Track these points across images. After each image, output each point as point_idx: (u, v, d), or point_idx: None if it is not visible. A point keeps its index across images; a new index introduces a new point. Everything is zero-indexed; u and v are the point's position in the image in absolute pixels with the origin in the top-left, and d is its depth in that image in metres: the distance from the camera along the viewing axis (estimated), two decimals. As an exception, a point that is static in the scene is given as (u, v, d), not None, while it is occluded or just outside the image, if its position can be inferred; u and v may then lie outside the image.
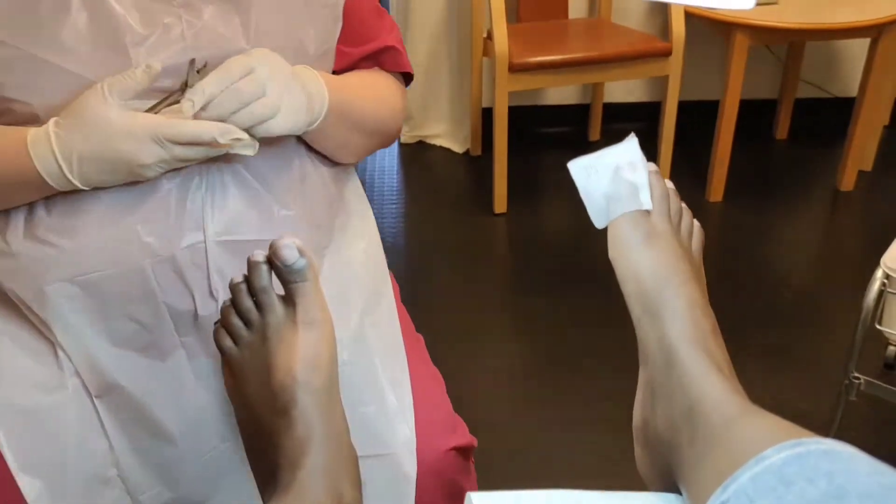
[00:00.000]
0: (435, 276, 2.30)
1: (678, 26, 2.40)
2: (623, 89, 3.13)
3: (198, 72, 0.78)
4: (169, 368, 0.84)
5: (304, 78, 0.83)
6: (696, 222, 0.71)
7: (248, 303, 0.67)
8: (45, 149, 0.74)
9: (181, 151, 0.74)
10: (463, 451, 0.92)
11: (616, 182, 0.69)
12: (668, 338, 0.62)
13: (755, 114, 3.05)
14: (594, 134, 3.11)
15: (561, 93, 3.13)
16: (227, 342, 0.65)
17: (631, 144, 0.71)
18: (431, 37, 2.90)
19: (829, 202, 2.69)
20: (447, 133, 3.05)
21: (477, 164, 2.96)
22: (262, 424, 0.61)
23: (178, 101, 0.76)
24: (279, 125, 0.78)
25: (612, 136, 3.07)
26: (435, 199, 2.75)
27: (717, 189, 2.60)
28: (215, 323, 0.66)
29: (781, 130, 3.09)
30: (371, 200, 1.09)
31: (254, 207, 0.84)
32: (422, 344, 1.04)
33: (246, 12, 0.84)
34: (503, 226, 2.57)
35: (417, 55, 2.91)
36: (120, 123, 0.72)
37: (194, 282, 0.81)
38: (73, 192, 0.79)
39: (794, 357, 1.94)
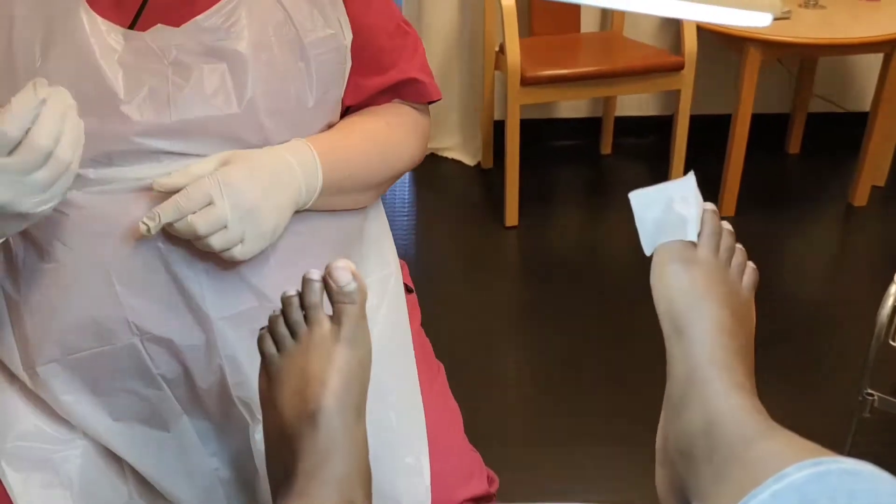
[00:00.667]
0: (446, 289, 2.30)
1: (690, 41, 2.41)
2: (635, 103, 3.13)
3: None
4: (174, 437, 0.83)
5: (293, 162, 0.79)
6: (750, 263, 0.74)
7: (297, 316, 0.70)
8: None
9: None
10: (478, 500, 0.92)
11: (667, 213, 0.73)
12: (691, 356, 0.63)
13: (767, 128, 3.04)
14: (606, 147, 3.11)
15: (572, 106, 3.14)
16: (271, 348, 0.68)
17: (689, 180, 0.75)
18: (443, 50, 2.91)
19: (842, 217, 2.68)
20: (459, 146, 3.06)
21: (488, 176, 2.97)
22: (286, 428, 0.62)
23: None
24: (242, 253, 0.75)
25: (623, 150, 3.10)
26: (446, 212, 2.75)
27: (728, 203, 2.59)
28: (261, 329, 0.69)
29: (794, 145, 3.09)
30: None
31: (255, 275, 0.81)
32: (442, 374, 1.02)
33: (240, 73, 0.79)
34: (514, 239, 2.57)
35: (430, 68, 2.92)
36: None
37: (193, 360, 0.80)
38: (46, 263, 0.76)
39: (806, 373, 1.93)
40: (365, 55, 0.91)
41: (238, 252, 0.75)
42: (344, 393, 0.63)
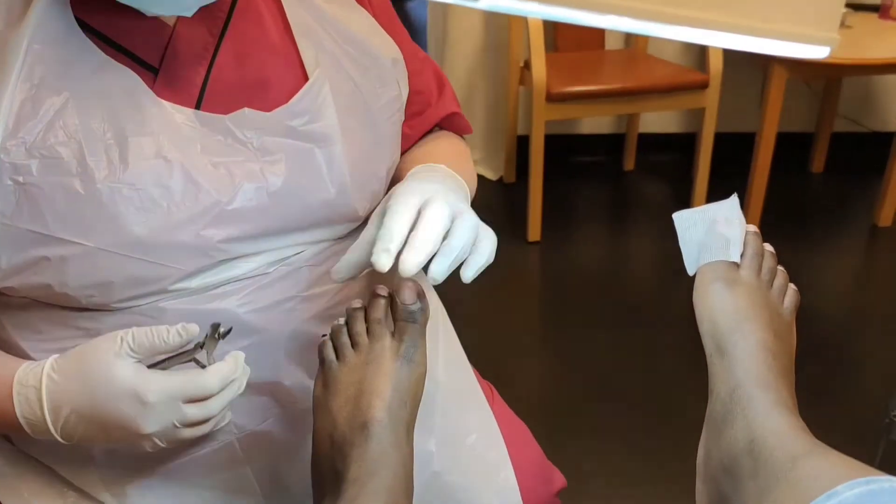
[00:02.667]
0: (467, 304, 2.30)
1: (716, 59, 2.41)
2: (658, 120, 3.13)
3: (219, 337, 0.68)
4: None
5: (465, 186, 0.79)
6: (791, 285, 0.75)
7: (360, 328, 0.71)
8: (33, 394, 0.64)
9: (194, 412, 0.65)
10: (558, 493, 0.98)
11: (710, 234, 0.74)
12: (734, 375, 0.64)
13: (791, 147, 3.04)
14: (629, 164, 3.11)
15: (596, 122, 3.15)
16: (331, 355, 0.69)
17: (732, 202, 0.76)
18: (468, 65, 2.93)
19: (867, 237, 2.67)
20: (482, 160, 3.07)
21: (511, 191, 2.98)
22: (337, 435, 0.64)
23: (192, 360, 0.68)
24: (489, 251, 0.72)
25: (647, 167, 3.10)
26: (469, 226, 2.76)
27: (752, 221, 2.57)
28: (323, 335, 0.70)
29: (818, 164, 3.08)
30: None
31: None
32: (495, 390, 1.03)
33: (330, 155, 0.75)
34: (537, 254, 2.57)
35: (454, 82, 2.94)
36: (129, 381, 0.63)
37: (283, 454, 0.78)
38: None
39: (832, 394, 1.92)
40: (415, 111, 0.90)
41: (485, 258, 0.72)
42: (398, 408, 0.65)
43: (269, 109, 0.73)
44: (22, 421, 0.65)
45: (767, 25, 0.44)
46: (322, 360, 0.68)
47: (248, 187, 0.70)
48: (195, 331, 0.65)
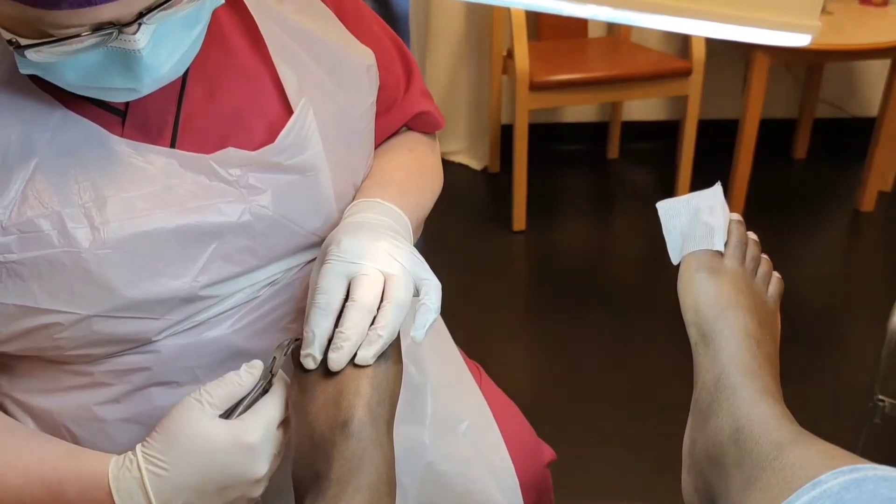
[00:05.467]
0: (452, 293, 2.30)
1: (698, 46, 2.41)
2: (642, 108, 3.14)
3: (286, 353, 0.67)
4: None
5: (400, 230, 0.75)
6: (775, 274, 0.75)
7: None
8: (135, 487, 0.61)
9: (282, 434, 0.66)
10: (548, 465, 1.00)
11: (693, 223, 0.74)
12: (719, 363, 0.64)
13: (774, 133, 3.05)
14: (613, 152, 3.11)
15: (579, 111, 3.15)
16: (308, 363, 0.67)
17: (715, 191, 0.76)
18: (451, 54, 2.92)
19: (849, 223, 2.68)
20: (466, 150, 3.06)
21: (495, 180, 2.97)
22: (317, 435, 0.63)
23: (265, 392, 0.66)
24: (435, 304, 0.70)
25: (631, 155, 3.10)
26: (453, 216, 2.76)
27: (736, 208, 2.58)
28: (294, 339, 0.68)
29: (800, 150, 3.09)
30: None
31: None
32: (483, 373, 1.04)
33: (316, 183, 0.73)
34: (522, 243, 2.58)
35: (437, 72, 2.93)
36: (227, 436, 0.61)
37: None
38: None
39: (816, 379, 1.93)
40: (383, 109, 0.87)
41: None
42: (378, 406, 0.64)
43: (248, 140, 0.70)
44: None
45: (749, 14, 0.44)
46: (296, 365, 0.67)
47: (236, 228, 0.68)
48: (261, 365, 0.65)
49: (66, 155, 0.64)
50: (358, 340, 0.64)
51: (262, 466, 0.63)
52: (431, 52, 2.90)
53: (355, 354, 0.64)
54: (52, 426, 0.71)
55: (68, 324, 0.64)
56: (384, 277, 0.66)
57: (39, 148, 0.63)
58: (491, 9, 2.70)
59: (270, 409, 0.64)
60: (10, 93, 0.63)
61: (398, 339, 0.69)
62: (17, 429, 0.69)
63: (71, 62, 0.58)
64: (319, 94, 0.75)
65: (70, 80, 0.60)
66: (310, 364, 0.64)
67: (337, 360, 0.63)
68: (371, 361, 0.64)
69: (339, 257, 0.66)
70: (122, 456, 0.64)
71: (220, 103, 0.71)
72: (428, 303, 0.67)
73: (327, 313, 0.65)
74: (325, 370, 0.65)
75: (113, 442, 0.69)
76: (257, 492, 0.65)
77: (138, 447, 0.63)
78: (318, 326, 0.64)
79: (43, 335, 0.64)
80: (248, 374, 0.65)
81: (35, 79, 0.63)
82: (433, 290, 0.68)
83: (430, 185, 0.90)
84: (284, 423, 0.67)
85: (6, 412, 0.72)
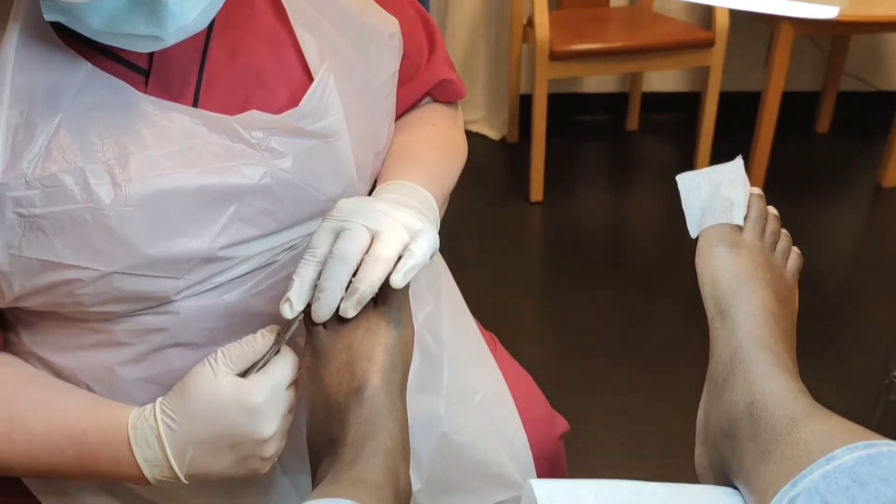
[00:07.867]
0: (469, 263, 2.30)
1: (721, 16, 2.38)
2: (662, 79, 3.10)
3: (296, 319, 0.67)
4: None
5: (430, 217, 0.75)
6: (794, 249, 0.74)
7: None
8: (152, 438, 0.64)
9: (292, 394, 0.67)
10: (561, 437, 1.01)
11: (713, 196, 0.73)
12: (736, 337, 0.64)
13: (796, 106, 3.01)
14: (632, 123, 3.09)
15: (599, 81, 3.12)
16: (318, 326, 0.68)
17: (736, 165, 0.76)
18: (470, 23, 2.89)
19: (871, 198, 2.65)
20: (484, 119, 3.05)
21: (513, 151, 2.96)
22: (331, 401, 0.64)
23: (275, 354, 0.67)
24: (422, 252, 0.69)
25: (650, 126, 3.07)
26: (470, 186, 2.75)
27: (756, 182, 2.57)
28: (308, 305, 0.69)
29: (823, 124, 3.05)
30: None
31: None
32: (499, 343, 1.04)
33: (336, 149, 0.73)
34: (539, 214, 2.57)
35: (456, 41, 2.90)
36: (231, 396, 0.64)
37: None
38: None
39: (832, 354, 1.93)
40: (406, 77, 0.86)
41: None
42: (390, 370, 0.65)
43: (269, 102, 0.71)
44: (146, 471, 0.65)
45: (776, -17, 0.43)
46: (309, 331, 0.67)
47: (257, 191, 0.69)
48: (277, 329, 0.67)
49: (91, 111, 0.64)
50: (335, 293, 0.65)
51: (267, 426, 0.64)
52: (451, 21, 2.88)
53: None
54: (73, 384, 0.72)
55: (89, 280, 0.64)
56: (371, 234, 0.67)
57: (65, 103, 0.63)
58: (511, -24, 2.67)
59: (278, 370, 0.66)
60: (39, 47, 0.63)
61: (408, 304, 0.70)
62: (39, 377, 0.71)
63: (95, 5, 0.58)
64: (340, 61, 0.75)
65: (94, 24, 0.59)
66: (286, 311, 0.65)
67: (316, 310, 0.64)
68: (351, 314, 0.65)
69: (332, 217, 0.68)
70: (142, 408, 0.66)
71: (242, 65, 0.71)
72: (414, 248, 0.67)
73: (310, 264, 0.66)
74: (335, 334, 0.66)
75: (133, 401, 0.69)
76: (269, 451, 0.66)
77: (158, 400, 0.65)
78: (299, 276, 0.65)
79: (64, 290, 0.65)
80: (264, 337, 0.66)
81: (61, 34, 0.63)
82: (422, 238, 0.68)
83: (454, 160, 0.90)
84: (296, 384, 0.67)
85: None
